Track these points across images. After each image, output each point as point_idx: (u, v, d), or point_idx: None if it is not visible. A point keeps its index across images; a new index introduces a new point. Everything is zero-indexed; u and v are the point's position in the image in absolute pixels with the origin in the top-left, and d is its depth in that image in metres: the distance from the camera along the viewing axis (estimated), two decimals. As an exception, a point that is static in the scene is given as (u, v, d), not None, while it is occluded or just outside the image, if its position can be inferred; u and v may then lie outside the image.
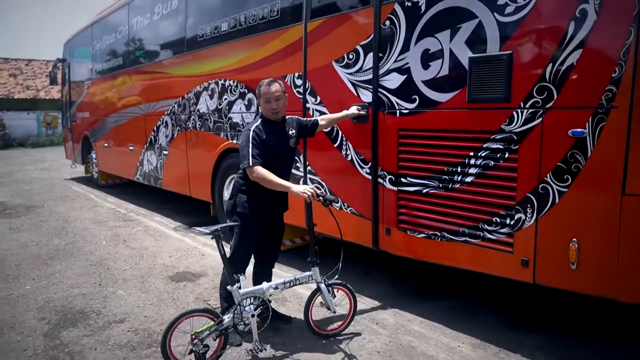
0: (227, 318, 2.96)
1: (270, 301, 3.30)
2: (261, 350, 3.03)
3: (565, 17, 2.72)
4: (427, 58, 3.42)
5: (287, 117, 3.42)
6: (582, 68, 2.69)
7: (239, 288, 3.02)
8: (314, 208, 3.27)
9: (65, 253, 5.45)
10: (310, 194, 3.03)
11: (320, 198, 3.11)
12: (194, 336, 2.85)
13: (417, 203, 3.60)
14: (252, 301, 3.05)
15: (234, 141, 5.32)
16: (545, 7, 2.82)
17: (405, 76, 3.57)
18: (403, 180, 3.66)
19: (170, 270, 4.82)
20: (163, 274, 4.71)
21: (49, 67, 27.21)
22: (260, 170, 3.09)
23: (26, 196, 9.33)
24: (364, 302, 3.94)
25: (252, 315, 2.99)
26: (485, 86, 3.11)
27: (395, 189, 3.71)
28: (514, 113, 2.99)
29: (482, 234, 3.24)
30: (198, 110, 6.12)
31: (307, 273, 3.27)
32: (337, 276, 3.32)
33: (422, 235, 3.58)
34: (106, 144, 9.52)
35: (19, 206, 8.31)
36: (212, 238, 2.97)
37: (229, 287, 3.01)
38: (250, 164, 3.09)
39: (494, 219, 3.17)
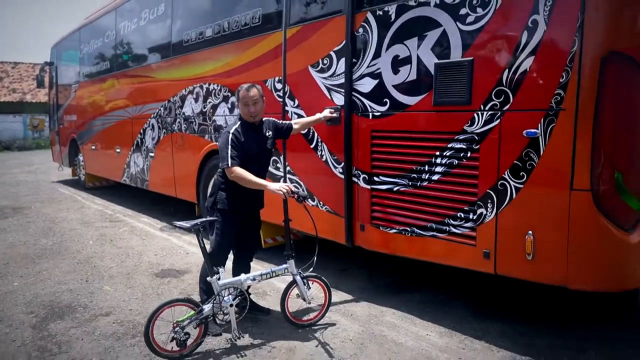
0: (206, 307, 3.14)
1: (249, 293, 3.49)
2: (239, 338, 3.22)
3: (519, 27, 2.96)
4: (397, 64, 3.64)
5: (264, 119, 3.62)
6: (534, 73, 2.93)
7: (218, 279, 3.20)
8: (298, 208, 3.49)
9: (53, 252, 5.58)
10: (285, 191, 3.23)
11: (295, 195, 3.31)
12: (175, 324, 3.03)
13: (389, 200, 3.81)
14: (230, 292, 3.24)
15: (218, 143, 5.50)
16: (501, 16, 3.05)
17: (377, 81, 3.78)
18: (376, 179, 3.87)
19: (156, 268, 4.98)
20: (148, 271, 4.87)
21: (36, 70, 27.18)
22: (238, 170, 3.29)
23: (13, 198, 9.41)
24: (340, 296, 4.15)
25: (231, 305, 3.17)
26: (449, 90, 3.34)
27: (369, 187, 3.92)
28: (475, 115, 3.21)
29: (448, 228, 3.46)
30: (183, 113, 6.29)
31: (283, 266, 3.46)
32: (312, 269, 3.51)
33: (394, 230, 3.79)
34: (93, 147, 9.64)
35: (5, 208, 8.40)
36: (192, 232, 3.15)
37: (208, 279, 3.20)
38: (229, 165, 3.30)
39: (458, 214, 3.39)
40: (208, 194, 3.63)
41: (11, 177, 12.97)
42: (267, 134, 3.59)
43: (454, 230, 3.43)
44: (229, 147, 3.34)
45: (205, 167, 5.87)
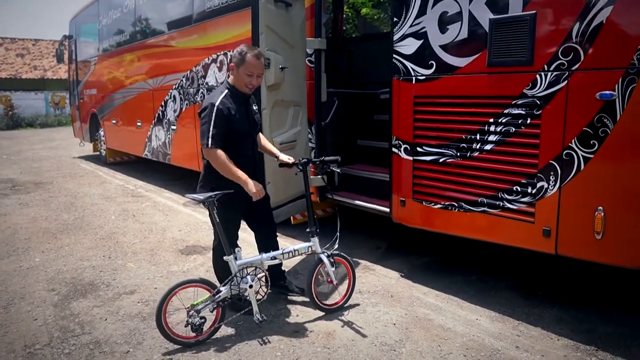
0: (224, 289, 2.86)
1: (284, 271, 3.23)
2: (261, 321, 2.93)
3: (595, -29, 2.57)
4: (445, 21, 3.28)
5: None
6: (612, 26, 2.55)
7: (235, 258, 2.91)
8: None
9: (75, 227, 5.41)
10: (258, 197, 2.93)
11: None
12: (190, 308, 2.78)
13: (433, 173, 3.49)
14: (249, 272, 2.94)
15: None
16: (573, -39, 2.66)
17: (422, 41, 3.43)
18: (419, 149, 3.55)
19: (180, 244, 4.76)
20: (173, 248, 4.66)
21: (56, 46, 27.03)
22: (219, 153, 2.86)
23: (35, 173, 9.31)
24: (378, 276, 3.88)
25: (250, 286, 2.88)
26: (506, 49, 2.98)
27: (411, 158, 3.60)
28: (537, 77, 2.85)
29: (501, 203, 3.13)
30: (207, 83, 6.00)
31: (307, 244, 3.16)
32: (336, 246, 3.23)
33: (439, 206, 3.48)
34: (114, 121, 9.44)
35: (28, 183, 8.28)
36: (205, 206, 2.85)
37: (225, 257, 2.89)
38: (209, 145, 2.84)
39: (514, 188, 3.06)
40: (201, 182, 3.13)
41: (33, 153, 12.92)
42: (254, 107, 3.19)
43: (508, 205, 3.10)
44: (212, 123, 2.84)
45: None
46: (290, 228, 4.95)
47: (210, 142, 2.84)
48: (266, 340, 2.88)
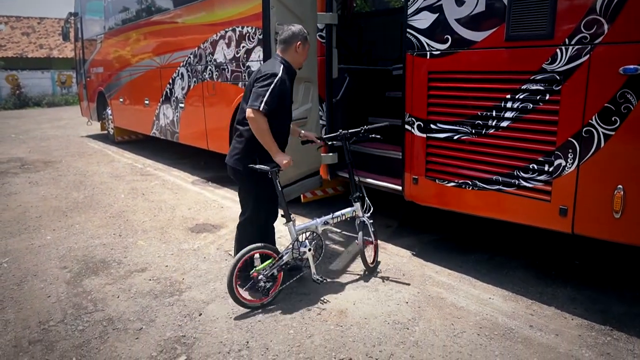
0: (286, 254, 3.08)
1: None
2: (321, 281, 3.19)
3: (622, -61, 2.46)
4: (461, -7, 3.18)
5: None
6: (639, -4, 2.45)
7: (294, 225, 3.14)
8: None
9: (85, 205, 5.41)
10: (286, 167, 3.02)
11: None
12: (255, 274, 2.95)
13: (447, 150, 3.43)
14: (307, 236, 3.22)
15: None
16: None
17: (437, 15, 3.33)
18: (433, 126, 3.48)
19: (190, 222, 4.75)
20: (183, 226, 4.65)
21: (62, 24, 26.72)
22: (265, 120, 2.88)
23: (44, 152, 9.32)
24: (389, 254, 3.86)
25: (309, 249, 3.15)
26: (526, 22, 2.88)
27: (424, 135, 3.53)
28: (558, 50, 2.76)
29: (517, 181, 3.07)
30: (215, 60, 5.92)
31: (351, 208, 3.46)
32: (371, 210, 3.58)
33: (452, 184, 3.43)
34: (121, 99, 9.37)
35: (37, 161, 8.30)
36: (269, 175, 2.96)
37: (284, 224, 3.13)
38: (260, 109, 2.83)
39: (530, 166, 2.99)
40: (240, 154, 3.10)
41: (41, 132, 12.91)
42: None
43: (524, 183, 3.04)
44: (270, 89, 2.87)
45: (239, 117, 5.53)
46: (301, 206, 4.93)
47: (262, 106, 2.85)
48: (279, 318, 2.88)
